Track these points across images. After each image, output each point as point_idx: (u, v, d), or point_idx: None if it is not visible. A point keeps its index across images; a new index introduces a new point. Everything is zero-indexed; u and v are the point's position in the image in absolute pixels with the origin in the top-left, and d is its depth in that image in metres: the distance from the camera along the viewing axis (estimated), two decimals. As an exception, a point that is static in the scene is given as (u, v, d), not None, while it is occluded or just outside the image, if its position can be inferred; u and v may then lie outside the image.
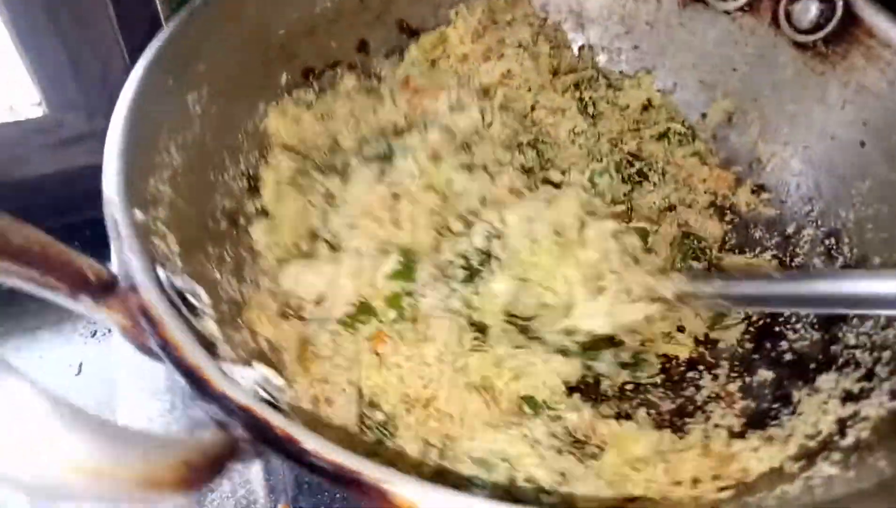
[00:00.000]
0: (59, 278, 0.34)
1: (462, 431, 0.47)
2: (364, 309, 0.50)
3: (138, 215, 0.41)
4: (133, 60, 0.47)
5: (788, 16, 0.63)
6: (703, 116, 0.70)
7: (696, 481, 0.44)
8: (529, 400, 0.49)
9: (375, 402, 0.48)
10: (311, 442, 0.31)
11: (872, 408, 0.44)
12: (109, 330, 0.88)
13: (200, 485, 0.28)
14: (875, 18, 0.57)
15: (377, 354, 0.48)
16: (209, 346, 0.38)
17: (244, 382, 0.35)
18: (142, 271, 0.37)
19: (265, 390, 0.36)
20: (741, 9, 0.65)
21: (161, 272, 0.38)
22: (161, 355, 0.35)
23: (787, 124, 0.64)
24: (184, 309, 0.38)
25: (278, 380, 0.38)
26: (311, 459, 0.30)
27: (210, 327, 0.40)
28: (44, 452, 0.23)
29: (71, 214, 0.71)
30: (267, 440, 0.31)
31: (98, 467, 0.24)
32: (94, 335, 0.88)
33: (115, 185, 0.41)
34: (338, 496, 0.56)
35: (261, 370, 0.37)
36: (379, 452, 0.45)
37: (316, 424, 0.43)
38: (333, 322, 0.50)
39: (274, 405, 0.35)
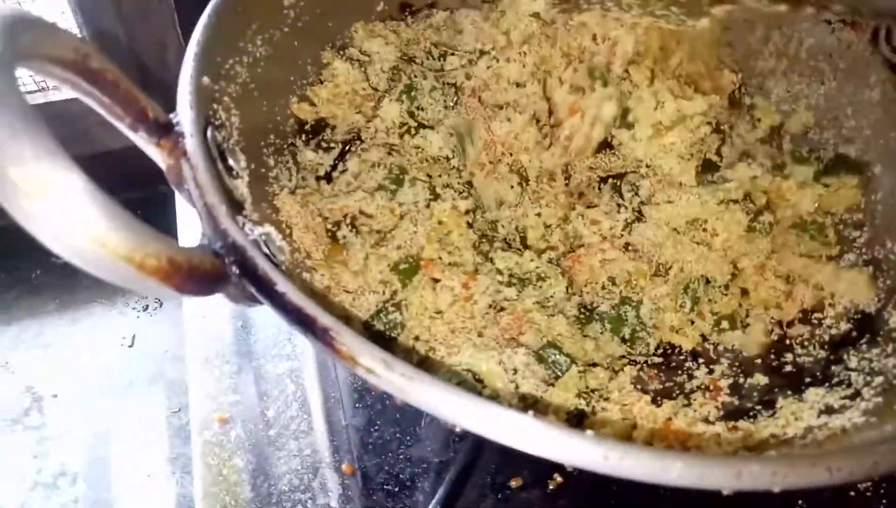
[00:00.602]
0: (124, 108, 0.40)
1: (446, 348, 0.50)
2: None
3: (206, 80, 0.46)
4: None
5: (889, 35, 0.61)
6: (780, 125, 0.68)
7: (646, 442, 0.46)
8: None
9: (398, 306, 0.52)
10: (283, 285, 0.35)
11: (839, 421, 0.44)
12: (161, 304, 0.96)
13: (182, 287, 0.33)
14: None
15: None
16: (235, 202, 0.44)
17: (250, 233, 0.40)
18: (192, 123, 0.42)
19: (266, 244, 0.41)
20: (842, 20, 0.64)
21: (210, 132, 0.44)
22: (191, 194, 0.40)
23: (861, 147, 0.62)
24: (220, 165, 0.43)
25: (283, 243, 0.42)
26: (278, 299, 0.35)
27: (241, 187, 0.45)
28: (74, 219, 0.28)
29: (134, 190, 0.77)
30: (247, 274, 0.36)
31: (103, 237, 0.29)
32: (146, 309, 0.96)
33: (192, 52, 0.47)
34: (401, 456, 0.58)
35: (269, 229, 0.42)
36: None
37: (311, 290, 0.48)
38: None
39: (268, 257, 0.40)
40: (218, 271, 0.36)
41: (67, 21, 0.84)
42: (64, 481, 0.82)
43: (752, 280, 0.57)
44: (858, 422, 0.43)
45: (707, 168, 0.63)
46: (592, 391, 0.50)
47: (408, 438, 0.59)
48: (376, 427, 0.59)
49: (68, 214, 0.28)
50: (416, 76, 0.63)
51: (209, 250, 0.37)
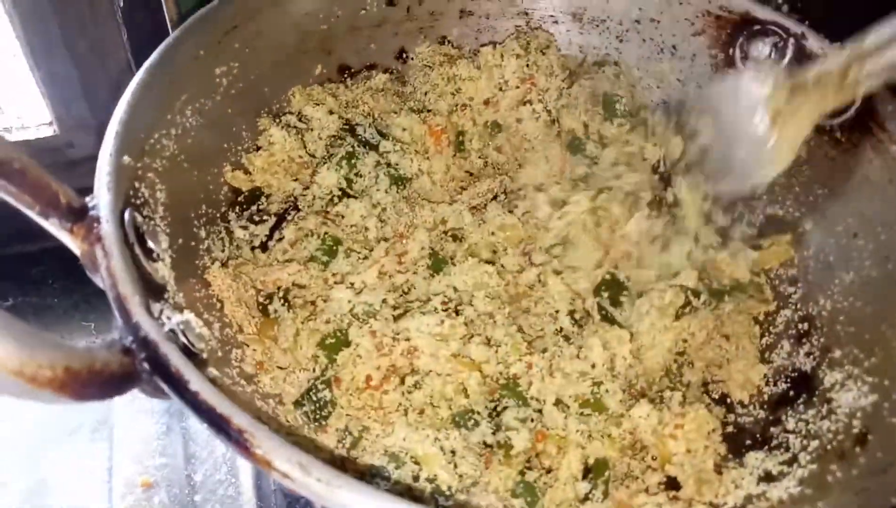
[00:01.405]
0: (35, 196, 0.39)
1: (381, 427, 0.49)
2: None
3: (126, 159, 0.45)
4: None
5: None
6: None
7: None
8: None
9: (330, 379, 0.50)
10: (196, 384, 0.34)
11: (777, 491, 0.43)
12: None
13: (81, 394, 0.31)
14: (890, 112, 0.56)
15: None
16: (155, 286, 0.42)
17: (167, 323, 0.38)
18: (108, 207, 0.41)
19: (185, 334, 0.39)
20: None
21: (128, 213, 0.43)
22: (104, 281, 0.39)
23: (791, 204, 0.63)
24: (138, 249, 0.42)
25: (203, 330, 0.41)
26: (191, 398, 0.34)
27: (162, 270, 0.43)
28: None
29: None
30: (160, 372, 0.34)
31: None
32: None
33: (113, 132, 0.46)
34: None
35: (188, 317, 0.40)
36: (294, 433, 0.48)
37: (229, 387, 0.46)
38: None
39: (186, 349, 0.38)
40: (128, 371, 0.34)
41: (19, 63, 0.83)
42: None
43: (698, 353, 0.57)
44: (795, 493, 0.42)
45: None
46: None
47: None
48: (303, 493, 0.57)
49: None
50: (356, 145, 0.63)
51: (118, 347, 0.35)
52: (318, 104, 0.66)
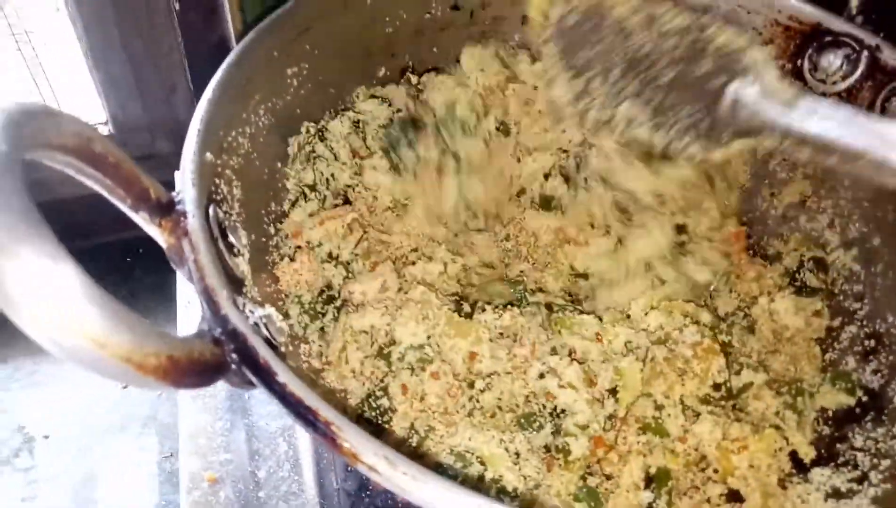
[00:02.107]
0: (126, 189, 0.40)
1: (445, 427, 0.49)
2: None
3: (208, 156, 0.47)
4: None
5: (884, 111, 0.61)
6: (774, 194, 0.69)
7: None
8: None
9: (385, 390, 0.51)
10: (284, 376, 0.35)
11: (848, 508, 0.43)
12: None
13: (181, 382, 0.32)
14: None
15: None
16: (235, 280, 0.43)
17: (251, 316, 0.39)
18: (194, 203, 0.42)
19: (266, 327, 0.40)
20: (838, 94, 0.64)
21: (212, 209, 0.44)
22: (192, 274, 0.40)
23: (860, 219, 0.62)
24: (221, 244, 0.43)
25: (283, 324, 0.42)
26: (279, 389, 0.35)
27: (242, 265, 0.45)
28: (72, 321, 0.28)
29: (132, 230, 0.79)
30: (248, 363, 0.35)
31: (102, 339, 0.29)
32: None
33: (196, 129, 0.47)
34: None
35: (270, 311, 0.41)
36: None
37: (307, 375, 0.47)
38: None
39: (269, 341, 0.39)
40: (218, 361, 0.35)
41: (77, 64, 0.85)
42: (50, 524, 0.80)
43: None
44: (868, 512, 0.42)
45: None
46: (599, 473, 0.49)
47: (401, 504, 0.58)
48: (368, 492, 0.58)
49: (66, 316, 0.28)
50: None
51: (209, 338, 0.36)
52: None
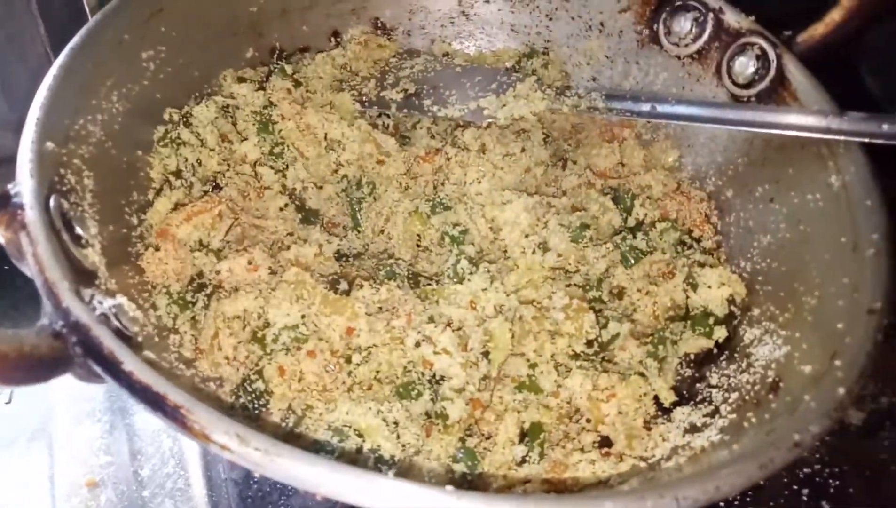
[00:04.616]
0: (-48, 184, 0.38)
1: (324, 404, 0.50)
2: None
3: (49, 146, 0.44)
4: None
5: (730, 69, 0.65)
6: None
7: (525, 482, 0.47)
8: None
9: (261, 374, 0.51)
10: (130, 364, 0.34)
11: (700, 440, 0.46)
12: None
13: (10, 377, 0.31)
14: (801, 81, 0.59)
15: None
16: (85, 272, 0.42)
17: (98, 307, 0.38)
18: (32, 194, 0.40)
19: (117, 317, 0.39)
20: (690, 56, 0.68)
21: (54, 200, 0.42)
22: (31, 269, 0.38)
23: (714, 174, 0.66)
24: (66, 235, 0.41)
25: (137, 313, 0.41)
26: (126, 378, 0.34)
27: (92, 256, 0.43)
28: None
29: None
30: (92, 354, 0.34)
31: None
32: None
33: (34, 118, 0.45)
34: None
35: (121, 300, 0.40)
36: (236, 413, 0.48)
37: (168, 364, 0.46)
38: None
39: (119, 332, 0.38)
40: (59, 354, 0.34)
41: None
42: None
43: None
44: (715, 440, 0.45)
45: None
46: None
47: (288, 489, 0.58)
48: (255, 480, 0.58)
49: None
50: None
51: (48, 332, 0.35)
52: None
